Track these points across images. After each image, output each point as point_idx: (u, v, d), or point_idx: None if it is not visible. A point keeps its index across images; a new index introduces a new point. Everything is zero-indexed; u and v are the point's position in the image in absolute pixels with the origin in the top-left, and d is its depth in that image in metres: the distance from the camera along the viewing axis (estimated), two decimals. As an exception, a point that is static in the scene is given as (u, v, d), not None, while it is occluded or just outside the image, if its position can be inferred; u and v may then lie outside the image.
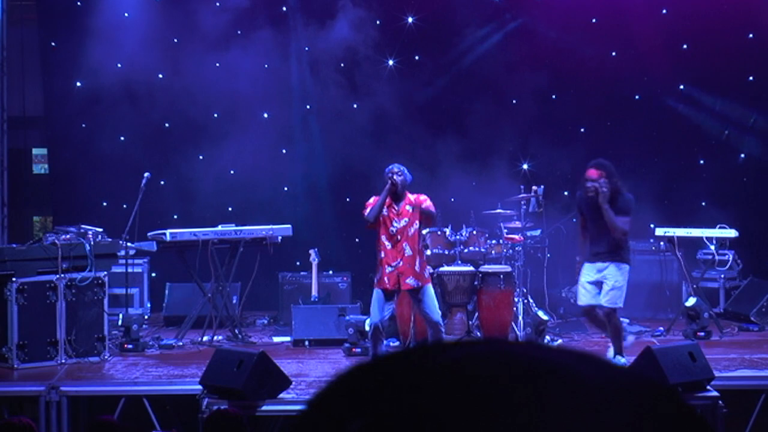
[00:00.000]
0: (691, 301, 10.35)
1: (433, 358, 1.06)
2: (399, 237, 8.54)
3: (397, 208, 8.56)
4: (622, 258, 8.60)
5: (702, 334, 10.11)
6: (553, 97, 12.61)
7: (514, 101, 12.63)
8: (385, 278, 8.55)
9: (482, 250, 10.38)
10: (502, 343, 1.11)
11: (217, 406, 7.57)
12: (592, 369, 1.05)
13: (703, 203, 12.38)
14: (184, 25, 12.19)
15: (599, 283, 8.54)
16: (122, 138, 12.57)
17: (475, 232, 10.38)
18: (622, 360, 8.37)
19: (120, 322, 9.94)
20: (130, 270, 10.54)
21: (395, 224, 8.55)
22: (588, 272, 8.58)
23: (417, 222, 8.58)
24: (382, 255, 8.59)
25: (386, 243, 8.57)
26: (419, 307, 8.70)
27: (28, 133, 13.11)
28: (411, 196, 8.64)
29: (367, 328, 9.11)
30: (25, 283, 9.05)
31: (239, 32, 12.13)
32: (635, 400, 1.03)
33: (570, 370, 1.03)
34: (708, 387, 7.97)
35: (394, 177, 8.50)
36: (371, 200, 8.65)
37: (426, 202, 8.64)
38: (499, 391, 0.99)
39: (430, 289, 8.71)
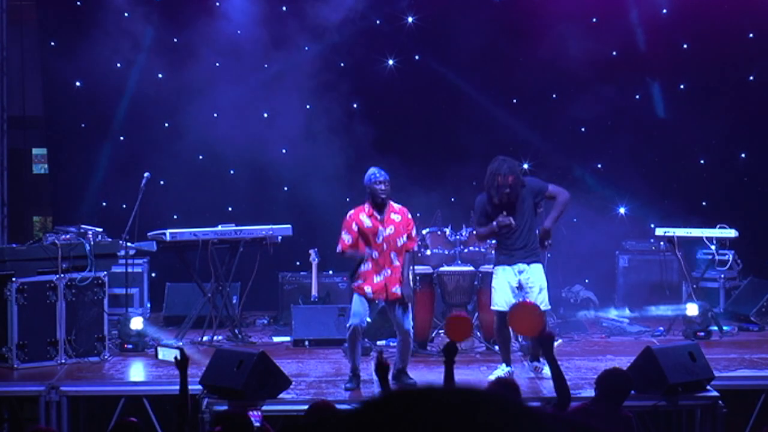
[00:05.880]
0: (692, 310, 10.24)
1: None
2: (386, 246, 8.29)
3: (380, 217, 8.32)
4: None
5: (702, 334, 10.11)
6: (553, 96, 12.61)
7: (514, 101, 12.63)
8: (367, 287, 8.28)
9: (482, 250, 10.35)
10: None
11: (217, 406, 7.59)
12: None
13: (703, 203, 12.38)
14: (184, 25, 12.18)
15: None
16: (122, 138, 12.57)
17: (475, 232, 10.35)
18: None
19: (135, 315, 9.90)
20: (130, 270, 10.52)
21: (381, 233, 8.28)
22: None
23: (405, 236, 8.35)
24: (369, 266, 8.28)
25: (372, 253, 8.27)
26: (392, 314, 8.44)
27: (28, 133, 13.08)
28: (395, 206, 8.42)
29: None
30: (25, 283, 9.05)
31: (239, 32, 12.12)
32: None
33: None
34: (708, 387, 7.97)
35: (381, 194, 8.24)
36: (347, 240, 8.31)
37: (412, 230, 8.44)
38: None
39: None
